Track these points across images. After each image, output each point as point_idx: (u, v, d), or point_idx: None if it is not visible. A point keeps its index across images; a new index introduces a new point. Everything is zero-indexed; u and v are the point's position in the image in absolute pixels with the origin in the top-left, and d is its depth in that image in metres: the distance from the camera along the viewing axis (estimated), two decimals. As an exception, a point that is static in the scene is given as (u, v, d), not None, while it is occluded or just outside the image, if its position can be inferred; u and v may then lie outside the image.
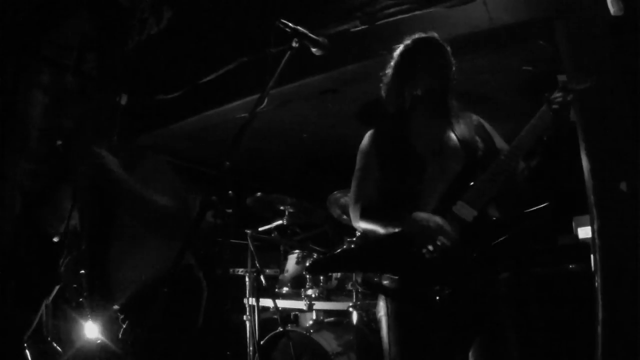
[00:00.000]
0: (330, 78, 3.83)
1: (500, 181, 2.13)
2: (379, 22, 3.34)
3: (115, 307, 2.23)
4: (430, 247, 2.07)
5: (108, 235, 2.37)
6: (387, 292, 2.18)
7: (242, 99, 4.22)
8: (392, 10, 3.21)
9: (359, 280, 2.19)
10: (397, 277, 2.13)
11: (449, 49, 2.41)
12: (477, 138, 2.37)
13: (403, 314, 2.17)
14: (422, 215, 2.13)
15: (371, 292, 2.27)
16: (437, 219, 2.10)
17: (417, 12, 3.20)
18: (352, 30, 3.46)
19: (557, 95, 2.16)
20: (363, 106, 4.44)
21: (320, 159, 5.99)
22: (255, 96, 1.96)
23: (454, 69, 2.40)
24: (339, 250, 3.96)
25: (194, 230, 1.82)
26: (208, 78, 4.20)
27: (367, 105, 4.44)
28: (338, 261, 2.65)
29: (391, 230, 2.21)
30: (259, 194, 4.47)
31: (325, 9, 3.53)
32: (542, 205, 2.04)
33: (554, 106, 2.14)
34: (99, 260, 2.31)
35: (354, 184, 2.47)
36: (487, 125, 2.47)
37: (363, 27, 3.43)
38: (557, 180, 2.29)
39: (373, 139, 2.48)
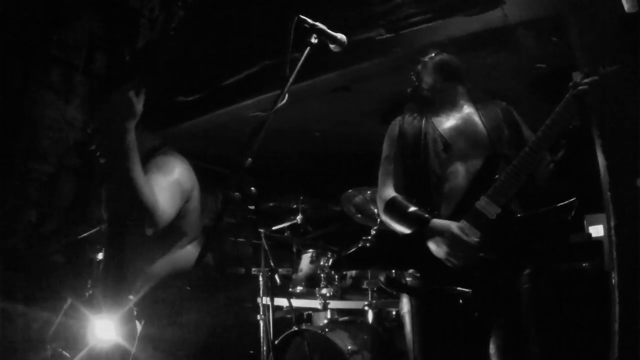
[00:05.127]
0: (343, 76, 3.83)
1: (525, 175, 2.10)
2: (402, 31, 3.37)
3: (130, 297, 2.17)
4: (453, 260, 2.08)
5: None
6: (411, 292, 2.18)
7: (253, 97, 4.22)
8: (414, 19, 3.23)
9: (382, 279, 2.17)
10: (419, 275, 2.13)
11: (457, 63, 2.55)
12: (504, 124, 2.37)
13: (426, 311, 2.17)
14: (439, 224, 2.13)
15: (395, 291, 2.26)
16: (454, 229, 2.08)
17: (439, 21, 3.24)
18: (377, 38, 3.49)
19: (582, 82, 2.12)
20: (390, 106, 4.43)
21: (332, 157, 5.98)
22: (266, 95, 1.94)
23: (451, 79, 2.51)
24: (360, 248, 3.94)
25: (216, 228, 1.81)
26: (229, 81, 4.19)
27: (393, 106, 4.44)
28: (361, 258, 2.63)
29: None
30: (271, 203, 4.52)
31: (350, 15, 3.55)
32: (567, 202, 2.01)
33: (580, 88, 2.09)
34: (117, 242, 2.25)
35: (380, 172, 2.49)
36: (515, 114, 2.46)
37: (388, 35, 3.46)
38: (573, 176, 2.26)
39: (400, 128, 2.49)
